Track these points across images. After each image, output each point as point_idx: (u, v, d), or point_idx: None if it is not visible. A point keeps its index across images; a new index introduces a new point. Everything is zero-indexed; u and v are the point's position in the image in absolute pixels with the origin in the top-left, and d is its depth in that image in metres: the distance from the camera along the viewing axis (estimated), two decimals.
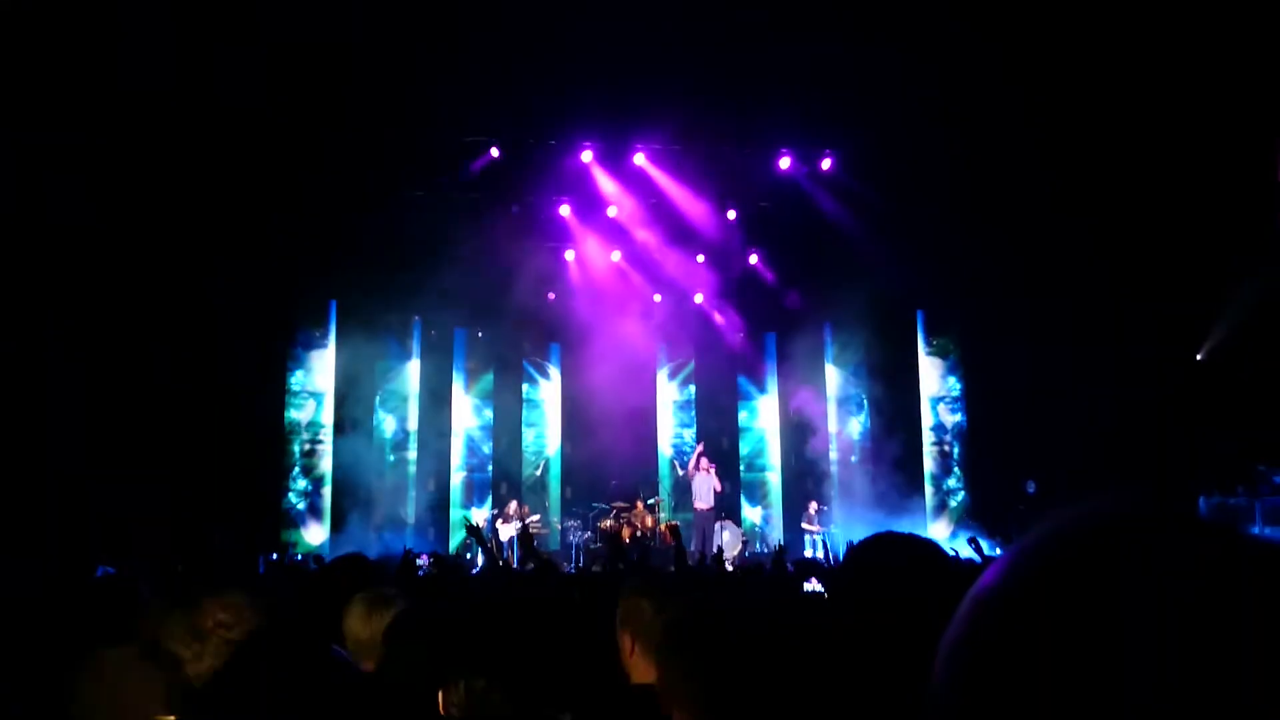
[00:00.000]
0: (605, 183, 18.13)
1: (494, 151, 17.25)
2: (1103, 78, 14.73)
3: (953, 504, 18.75)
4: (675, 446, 20.25)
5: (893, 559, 2.27)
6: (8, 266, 13.71)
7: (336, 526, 17.55)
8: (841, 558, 7.35)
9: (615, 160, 17.95)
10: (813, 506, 18.41)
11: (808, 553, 16.99)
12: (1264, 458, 16.00)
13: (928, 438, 19.14)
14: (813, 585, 5.23)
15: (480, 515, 18.06)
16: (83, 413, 14.21)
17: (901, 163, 17.43)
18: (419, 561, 6.12)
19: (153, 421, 14.93)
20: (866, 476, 18.99)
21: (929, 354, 19.32)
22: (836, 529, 17.86)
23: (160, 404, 15.05)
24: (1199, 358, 17.41)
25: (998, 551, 10.12)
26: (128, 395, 14.69)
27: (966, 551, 8.86)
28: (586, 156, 17.62)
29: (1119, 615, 0.62)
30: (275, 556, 16.52)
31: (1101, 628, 0.62)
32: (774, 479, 20.36)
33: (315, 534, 17.73)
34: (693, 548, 16.99)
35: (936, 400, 19.26)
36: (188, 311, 15.52)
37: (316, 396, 18.17)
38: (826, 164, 18.02)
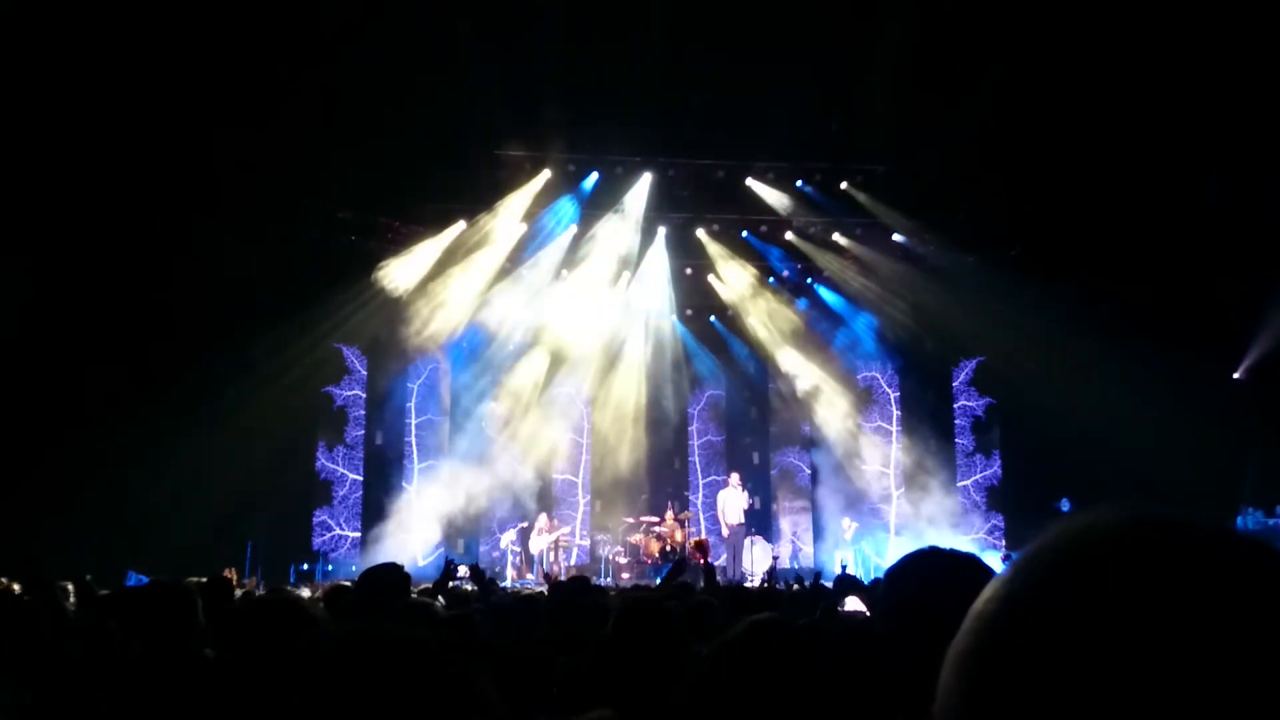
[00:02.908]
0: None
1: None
2: (1134, 96, 14.65)
3: (988, 524, 18.61)
4: (703, 456, 20.15)
5: (935, 574, 2.24)
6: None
7: (367, 538, 17.63)
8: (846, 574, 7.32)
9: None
10: (845, 523, 18.29)
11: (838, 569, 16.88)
12: None
13: (962, 454, 19.04)
14: (854, 604, 5.16)
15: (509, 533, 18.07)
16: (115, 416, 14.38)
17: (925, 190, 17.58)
18: (459, 573, 6.15)
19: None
20: (900, 493, 18.90)
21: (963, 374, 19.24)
22: (870, 546, 17.76)
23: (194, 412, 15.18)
24: (1236, 376, 17.22)
25: None
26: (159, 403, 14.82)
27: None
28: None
29: (1122, 621, 0.61)
30: (306, 567, 16.64)
31: (1105, 634, 0.61)
32: (807, 496, 20.21)
33: (344, 542, 17.81)
34: (722, 563, 16.93)
35: (970, 417, 19.15)
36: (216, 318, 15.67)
37: (349, 409, 18.30)
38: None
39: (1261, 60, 13.73)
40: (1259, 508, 15.76)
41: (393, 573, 4.36)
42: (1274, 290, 16.29)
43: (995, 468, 18.79)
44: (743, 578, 16.52)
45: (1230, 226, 15.38)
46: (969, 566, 2.23)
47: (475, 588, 7.52)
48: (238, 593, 6.71)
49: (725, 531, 17.58)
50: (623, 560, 17.79)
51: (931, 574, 2.22)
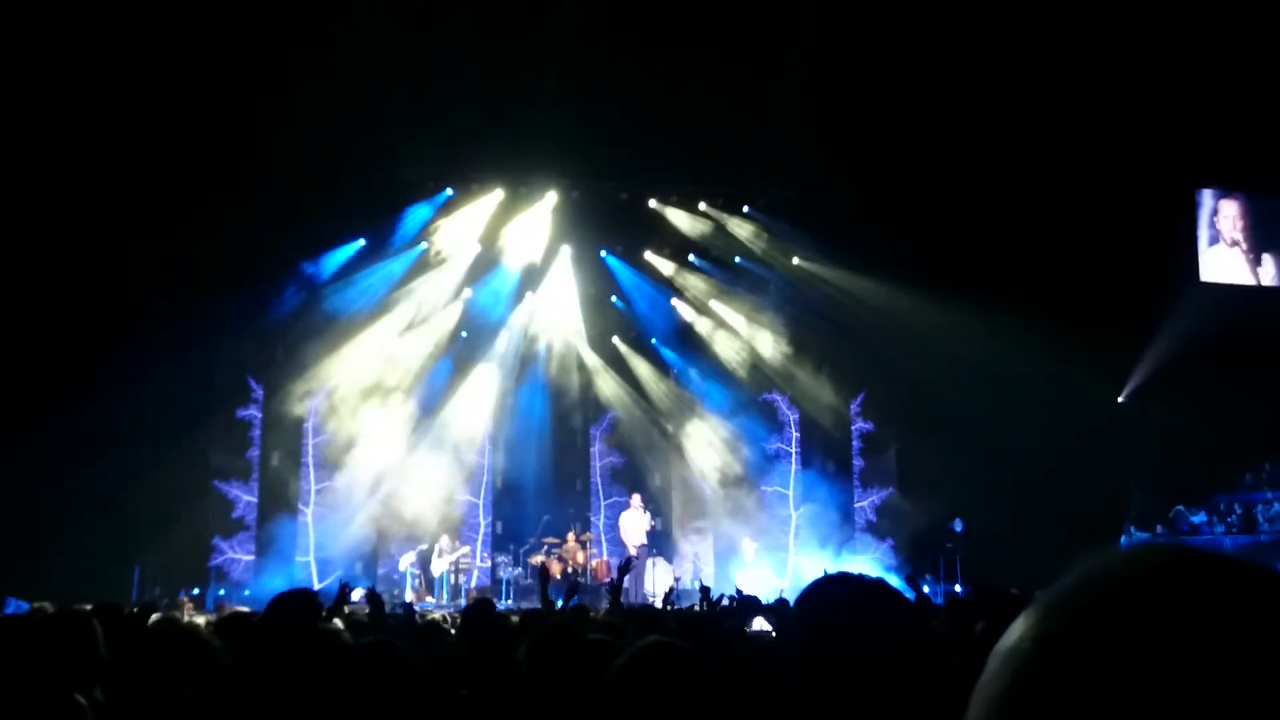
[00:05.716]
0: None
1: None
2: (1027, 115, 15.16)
3: (884, 544, 18.91)
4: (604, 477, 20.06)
5: (846, 599, 2.28)
6: None
7: (261, 561, 17.23)
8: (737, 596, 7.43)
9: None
10: (745, 544, 18.43)
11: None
12: (1182, 498, 16.42)
13: (858, 475, 19.35)
14: (760, 624, 5.21)
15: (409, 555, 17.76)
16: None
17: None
18: (354, 597, 6.03)
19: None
20: (800, 514, 19.11)
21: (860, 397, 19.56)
22: (770, 566, 17.91)
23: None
24: (1120, 400, 17.85)
25: (925, 589, 10.24)
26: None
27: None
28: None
29: (1175, 662, 0.60)
30: (196, 591, 16.15)
31: (1145, 671, 0.60)
32: (708, 517, 20.27)
33: (237, 566, 17.36)
34: (626, 585, 16.88)
35: (866, 439, 19.47)
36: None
37: (246, 429, 17.89)
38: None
39: (1151, 91, 14.35)
40: (1142, 528, 16.32)
41: (304, 600, 4.27)
42: (1156, 315, 16.96)
43: (890, 489, 19.11)
44: (645, 599, 16.52)
45: (1115, 254, 15.99)
46: (878, 591, 2.28)
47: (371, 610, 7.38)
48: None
49: (633, 552, 17.55)
50: (525, 582, 17.64)
51: (842, 599, 2.26)
